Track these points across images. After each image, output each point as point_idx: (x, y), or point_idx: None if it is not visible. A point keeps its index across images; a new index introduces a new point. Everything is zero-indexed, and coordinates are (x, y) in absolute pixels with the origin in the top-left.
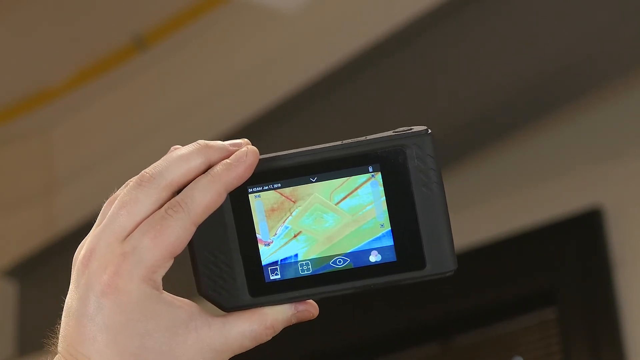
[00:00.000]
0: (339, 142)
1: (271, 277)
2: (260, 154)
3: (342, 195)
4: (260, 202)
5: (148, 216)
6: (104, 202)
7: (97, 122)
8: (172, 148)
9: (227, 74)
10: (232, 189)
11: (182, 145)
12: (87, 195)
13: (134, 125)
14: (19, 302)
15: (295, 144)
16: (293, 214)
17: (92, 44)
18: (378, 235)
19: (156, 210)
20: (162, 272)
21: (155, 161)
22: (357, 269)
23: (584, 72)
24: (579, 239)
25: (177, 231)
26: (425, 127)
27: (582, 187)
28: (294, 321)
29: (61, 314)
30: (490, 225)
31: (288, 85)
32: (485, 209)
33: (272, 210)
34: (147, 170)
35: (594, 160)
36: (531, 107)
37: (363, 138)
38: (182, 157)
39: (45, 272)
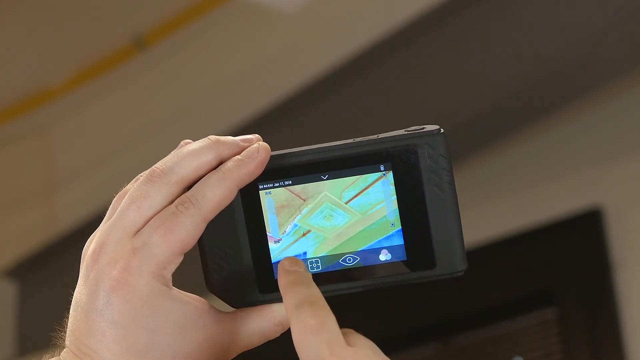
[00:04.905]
0: (351, 140)
1: None
2: (271, 150)
3: (353, 194)
4: (270, 199)
5: (158, 212)
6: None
7: (97, 122)
8: (182, 142)
9: (227, 74)
10: (243, 186)
11: (193, 140)
12: (88, 195)
13: (134, 125)
14: (19, 302)
15: (295, 144)
16: (302, 212)
17: (92, 44)
18: (388, 234)
19: (166, 206)
20: (172, 268)
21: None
22: (366, 267)
23: (583, 72)
24: (579, 239)
25: (188, 227)
26: (438, 127)
27: (582, 187)
28: None
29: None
30: (490, 226)
31: (288, 85)
32: (485, 210)
33: (282, 207)
34: (157, 165)
35: (594, 160)
36: (531, 108)
37: (375, 136)
38: (193, 153)
39: (45, 272)
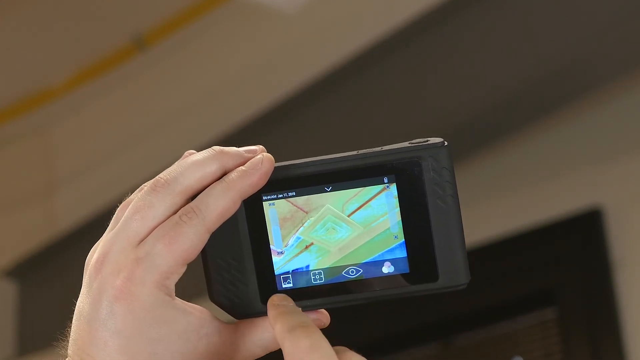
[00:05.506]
0: (355, 152)
1: (283, 286)
2: (275, 159)
3: (356, 206)
4: (274, 210)
5: (162, 222)
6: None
7: (97, 122)
8: (186, 153)
9: (227, 74)
10: (247, 197)
11: (196, 150)
12: (88, 195)
13: (134, 125)
14: (19, 302)
15: (295, 144)
16: (305, 224)
17: (92, 44)
18: (391, 247)
19: (170, 216)
20: (175, 278)
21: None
22: (369, 280)
23: (584, 72)
24: (579, 239)
25: (191, 238)
26: (442, 139)
27: (582, 187)
28: None
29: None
30: (490, 226)
31: (288, 85)
32: (485, 210)
33: (285, 219)
34: (161, 175)
35: (594, 160)
36: (531, 108)
37: (379, 148)
38: (197, 163)
39: (45, 272)
